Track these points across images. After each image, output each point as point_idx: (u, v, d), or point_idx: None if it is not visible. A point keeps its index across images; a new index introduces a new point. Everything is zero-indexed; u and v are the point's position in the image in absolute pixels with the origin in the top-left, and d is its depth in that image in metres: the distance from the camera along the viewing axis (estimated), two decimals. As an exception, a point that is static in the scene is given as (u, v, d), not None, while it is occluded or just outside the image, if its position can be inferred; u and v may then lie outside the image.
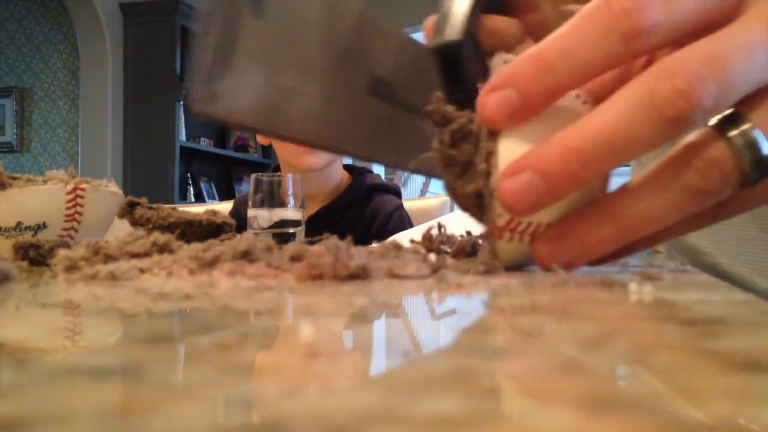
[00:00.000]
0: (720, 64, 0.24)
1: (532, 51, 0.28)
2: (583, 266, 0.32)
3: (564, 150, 0.27)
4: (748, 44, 0.25)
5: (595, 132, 0.26)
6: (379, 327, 0.23)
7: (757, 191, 0.28)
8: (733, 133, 0.26)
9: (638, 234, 0.29)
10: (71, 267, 0.36)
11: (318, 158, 1.21)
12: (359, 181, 1.27)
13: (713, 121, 0.27)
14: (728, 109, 0.26)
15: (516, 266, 0.38)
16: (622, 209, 0.28)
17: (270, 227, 0.90)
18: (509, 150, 0.30)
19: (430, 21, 0.38)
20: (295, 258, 0.34)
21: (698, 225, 0.31)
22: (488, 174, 0.32)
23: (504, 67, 0.30)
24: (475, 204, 0.34)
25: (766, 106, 0.26)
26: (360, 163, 1.45)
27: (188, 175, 4.18)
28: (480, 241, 0.40)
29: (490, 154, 0.31)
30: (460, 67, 0.37)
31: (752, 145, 0.26)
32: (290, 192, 0.93)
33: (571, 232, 0.30)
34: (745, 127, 0.26)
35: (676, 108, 0.24)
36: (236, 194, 4.36)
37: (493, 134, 0.31)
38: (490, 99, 0.29)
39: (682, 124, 0.25)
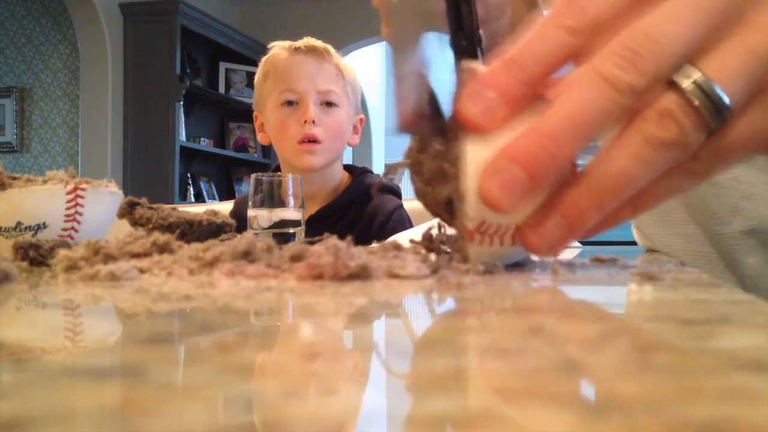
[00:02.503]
0: (650, 35, 0.28)
1: (499, 57, 0.30)
2: (575, 241, 0.32)
3: (538, 136, 0.29)
4: (671, 9, 0.28)
5: (563, 115, 0.28)
6: (379, 327, 0.23)
7: (729, 141, 0.29)
8: (681, 80, 0.28)
9: (615, 196, 0.29)
10: (71, 267, 0.36)
11: (318, 158, 1.21)
12: (359, 181, 1.27)
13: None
14: (675, 64, 0.29)
15: (512, 264, 0.38)
16: (593, 174, 0.30)
17: (270, 227, 0.90)
18: (477, 152, 0.31)
19: None
20: (295, 258, 0.34)
21: (680, 186, 0.32)
22: (456, 178, 0.33)
23: (477, 75, 0.31)
24: (445, 210, 0.35)
25: (712, 53, 0.28)
26: (360, 164, 1.45)
27: (188, 175, 4.17)
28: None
29: (456, 159, 0.32)
30: (467, 13, 0.39)
31: (702, 89, 0.28)
32: (290, 192, 0.93)
33: (552, 210, 0.31)
34: (692, 73, 0.28)
35: (625, 82, 0.28)
36: (236, 194, 4.36)
37: (459, 138, 0.32)
38: (472, 105, 0.30)
39: (634, 92, 0.28)
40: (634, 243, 0.72)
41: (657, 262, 0.46)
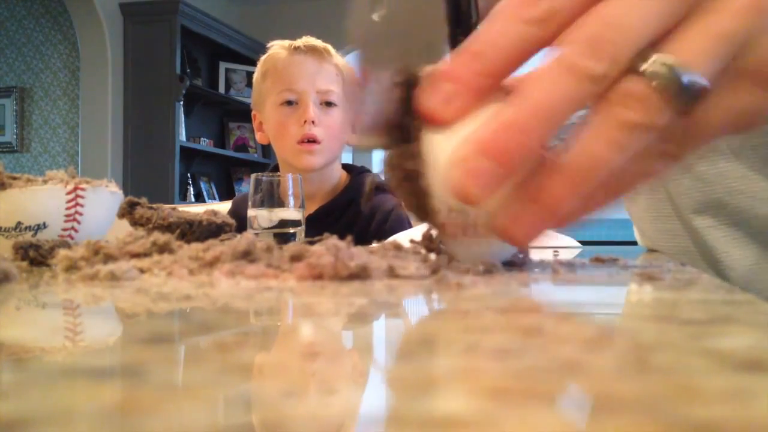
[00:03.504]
0: (614, 21, 0.28)
1: (459, 51, 0.30)
2: (553, 229, 0.32)
3: (506, 127, 0.28)
4: None
5: (530, 106, 0.28)
6: (379, 327, 0.23)
7: (700, 122, 0.29)
8: (647, 64, 0.28)
9: (589, 180, 0.29)
10: (71, 267, 0.36)
11: (318, 158, 1.21)
12: (358, 181, 1.27)
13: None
14: (641, 50, 0.28)
15: (511, 264, 0.38)
16: (565, 161, 0.29)
17: (270, 227, 0.90)
18: (440, 145, 0.31)
19: None
20: (295, 258, 0.34)
21: (654, 169, 0.31)
22: (419, 175, 0.32)
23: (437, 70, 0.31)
24: (424, 210, 0.34)
25: (678, 37, 0.28)
26: (359, 164, 1.45)
27: (188, 175, 4.17)
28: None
29: (418, 154, 0.32)
30: (467, 7, 0.38)
31: (670, 71, 0.28)
32: (290, 192, 0.93)
33: (524, 198, 0.30)
34: (658, 57, 0.28)
35: (590, 71, 0.27)
36: (236, 194, 4.36)
37: (421, 134, 0.32)
38: (430, 96, 0.30)
39: (600, 80, 0.28)
40: (634, 243, 0.72)
41: (657, 262, 0.46)
